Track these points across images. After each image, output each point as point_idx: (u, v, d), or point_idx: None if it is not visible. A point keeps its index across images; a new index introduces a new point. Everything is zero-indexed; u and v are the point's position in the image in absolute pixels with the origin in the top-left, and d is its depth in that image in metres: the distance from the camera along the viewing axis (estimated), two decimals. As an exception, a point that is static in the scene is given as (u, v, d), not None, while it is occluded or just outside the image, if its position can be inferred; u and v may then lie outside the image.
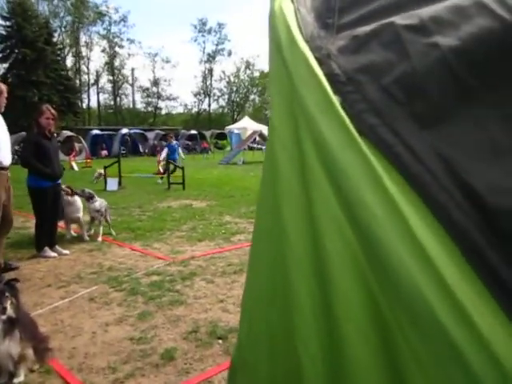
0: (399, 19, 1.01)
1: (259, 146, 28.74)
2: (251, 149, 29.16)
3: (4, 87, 5.16)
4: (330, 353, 1.06)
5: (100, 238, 6.90)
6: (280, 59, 1.16)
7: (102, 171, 13.62)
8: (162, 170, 16.46)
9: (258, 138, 27.68)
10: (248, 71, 65.60)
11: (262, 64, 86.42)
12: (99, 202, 7.17)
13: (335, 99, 1.02)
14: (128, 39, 61.16)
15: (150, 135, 34.58)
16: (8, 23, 37.83)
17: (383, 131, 0.96)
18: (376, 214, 0.93)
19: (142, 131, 35.59)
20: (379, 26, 1.04)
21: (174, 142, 16.44)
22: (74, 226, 7.23)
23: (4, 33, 38.17)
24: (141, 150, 33.55)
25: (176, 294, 4.54)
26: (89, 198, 7.10)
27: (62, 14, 51.30)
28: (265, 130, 36.31)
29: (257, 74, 66.03)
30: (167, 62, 61.30)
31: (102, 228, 7.07)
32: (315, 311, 1.08)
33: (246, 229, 7.70)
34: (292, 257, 1.13)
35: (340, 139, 0.99)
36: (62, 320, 3.96)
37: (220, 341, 3.52)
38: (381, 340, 0.98)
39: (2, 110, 5.16)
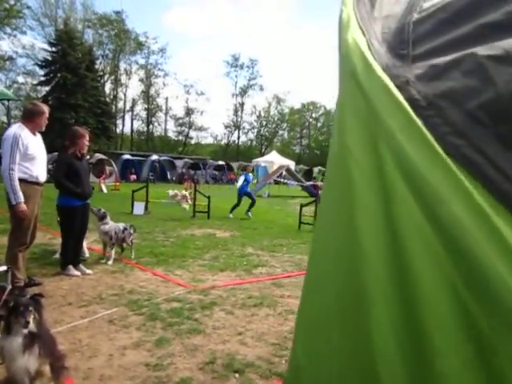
0: (482, 50, 1.07)
1: (285, 181, 28.80)
2: (277, 183, 29.23)
3: (47, 108, 5.40)
4: (417, 368, 1.07)
5: (110, 262, 6.87)
6: (355, 86, 1.24)
7: (184, 193, 13.83)
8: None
9: (284, 173, 27.78)
10: (279, 107, 66.62)
11: (293, 100, 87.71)
12: (109, 225, 7.07)
13: (418, 122, 1.08)
14: (163, 70, 62.85)
15: (179, 163, 35.25)
16: (54, 49, 39.91)
17: (469, 151, 1.02)
18: (468, 227, 0.98)
19: (171, 158, 36.31)
20: (460, 56, 1.11)
21: (251, 174, 15.31)
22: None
23: (50, 58, 40.24)
24: (168, 176, 34.13)
25: (195, 322, 4.49)
26: (101, 218, 7.05)
27: (105, 43, 53.75)
28: (292, 165, 36.58)
29: (287, 110, 67.03)
30: (201, 94, 62.71)
31: (113, 252, 7.02)
32: (396, 326, 1.11)
33: (267, 262, 7.63)
34: (370, 274, 1.16)
35: (427, 159, 1.06)
36: (81, 340, 3.95)
37: (237, 374, 3.43)
38: (475, 350, 0.99)
39: (43, 129, 5.38)
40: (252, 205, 14.04)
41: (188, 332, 4.21)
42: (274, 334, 4.34)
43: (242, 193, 13.99)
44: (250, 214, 13.67)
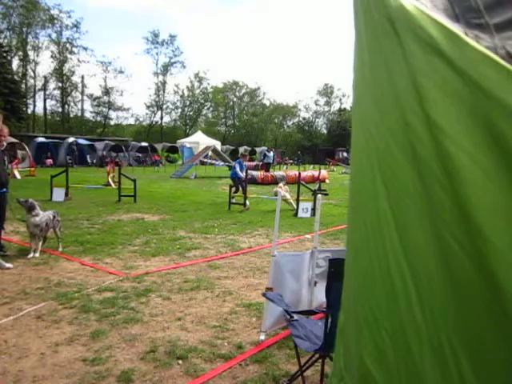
0: None
1: (212, 161, 28.61)
2: (203, 164, 28.98)
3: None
4: None
5: (37, 254, 6.35)
6: (434, 55, 1.13)
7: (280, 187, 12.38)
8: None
9: (210, 153, 27.57)
10: (202, 86, 65.51)
11: (217, 80, 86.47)
12: (40, 217, 6.45)
13: None
14: (80, 46, 58.64)
15: (99, 145, 33.57)
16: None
17: None
18: None
19: (89, 141, 34.47)
20: None
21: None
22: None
23: None
24: (88, 160, 32.46)
25: (131, 311, 4.35)
26: (29, 209, 6.39)
27: (10, 14, 49.02)
28: (218, 145, 36.34)
29: (211, 89, 66.14)
30: (120, 72, 59.70)
31: (40, 244, 6.50)
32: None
33: (200, 244, 7.58)
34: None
35: None
36: (6, 340, 3.66)
37: (180, 361, 3.39)
38: None
39: None
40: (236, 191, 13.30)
41: (125, 322, 4.07)
42: (213, 316, 4.33)
43: (236, 178, 13.38)
44: (234, 200, 12.80)
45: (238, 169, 13.31)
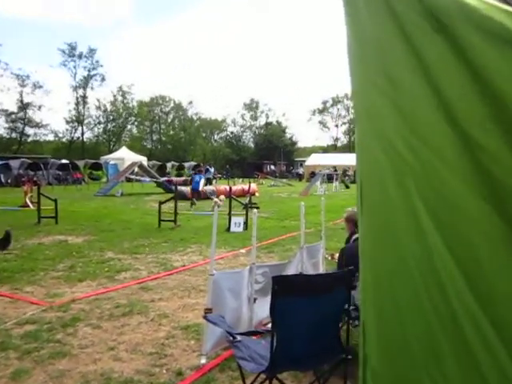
0: None
1: (138, 178, 27.74)
2: (129, 180, 28.00)
3: None
4: None
5: None
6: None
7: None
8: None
9: (136, 170, 26.73)
10: (125, 100, 63.62)
11: (141, 94, 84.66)
12: None
13: None
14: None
15: (14, 163, 31.27)
16: None
17: None
18: None
19: (3, 160, 32.01)
20: None
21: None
22: None
23: None
24: (2, 179, 30.09)
25: (57, 344, 3.98)
26: None
27: None
28: (144, 161, 35.40)
29: (135, 103, 64.49)
30: (39, 87, 56.14)
31: None
32: None
33: (131, 265, 7.22)
34: None
35: None
36: None
37: (115, 396, 3.14)
38: None
39: None
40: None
41: (50, 357, 3.71)
42: (149, 342, 4.09)
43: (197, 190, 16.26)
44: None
45: (200, 181, 16.49)
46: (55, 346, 3.93)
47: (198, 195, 15.85)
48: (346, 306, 2.75)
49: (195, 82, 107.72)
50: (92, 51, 59.64)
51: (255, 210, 4.26)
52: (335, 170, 36.71)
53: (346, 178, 39.96)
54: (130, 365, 3.61)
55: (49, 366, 3.56)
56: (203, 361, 3.60)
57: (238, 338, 2.87)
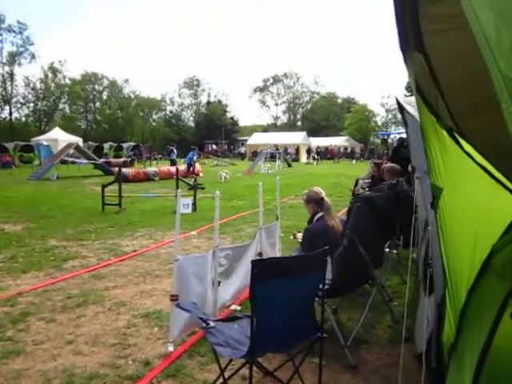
0: None
1: (74, 160, 26.40)
2: (64, 162, 26.59)
3: None
4: None
5: None
6: None
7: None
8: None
9: (72, 151, 25.38)
10: (56, 78, 59.77)
11: (74, 71, 79.88)
12: None
13: None
14: None
15: None
16: None
17: None
18: None
19: None
20: None
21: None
22: None
23: None
24: None
25: (8, 342, 3.71)
26: None
27: None
28: (80, 142, 33.73)
29: (68, 81, 60.83)
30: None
31: None
32: None
33: (78, 253, 6.88)
34: None
35: None
36: None
37: (81, 392, 2.98)
38: None
39: None
40: None
41: (3, 356, 3.44)
42: (110, 333, 3.92)
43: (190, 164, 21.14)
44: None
45: (193, 157, 21.64)
46: (6, 345, 3.66)
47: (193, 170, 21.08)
48: (321, 286, 2.76)
49: (131, 59, 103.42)
50: (22, 25, 55.09)
51: (217, 192, 4.16)
52: (277, 149, 37.03)
53: (288, 156, 40.53)
54: (92, 358, 3.44)
55: (2, 366, 3.31)
56: (171, 348, 3.50)
57: (212, 323, 2.81)
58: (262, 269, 2.39)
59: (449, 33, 1.46)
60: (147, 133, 63.18)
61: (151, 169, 22.79)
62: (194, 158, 22.25)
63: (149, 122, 67.93)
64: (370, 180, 8.87)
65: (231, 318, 2.97)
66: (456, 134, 1.94)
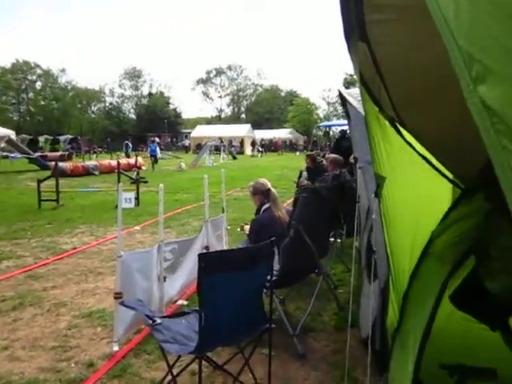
0: None
1: (6, 154, 24.82)
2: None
3: None
4: None
5: None
6: None
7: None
8: None
9: (3, 145, 23.83)
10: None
11: (5, 58, 74.70)
12: None
13: None
14: None
15: None
16: None
17: None
18: None
19: None
20: None
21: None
22: None
23: None
24: None
25: None
26: None
27: None
28: (12, 135, 31.70)
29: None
30: None
31: None
32: None
33: (12, 252, 6.48)
34: None
35: None
36: None
37: (19, 400, 2.80)
38: None
39: None
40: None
41: None
42: (49, 335, 3.72)
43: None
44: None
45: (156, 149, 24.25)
46: None
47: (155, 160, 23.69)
48: (269, 278, 2.76)
49: (68, 48, 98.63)
50: None
51: (161, 185, 4.05)
52: (221, 142, 36.87)
53: (233, 149, 40.49)
54: (31, 363, 3.24)
55: None
56: (116, 348, 3.38)
57: (158, 320, 2.73)
58: (209, 262, 2.35)
59: (392, 23, 1.48)
60: (86, 125, 60.57)
61: (91, 162, 21.90)
62: (158, 150, 24.96)
63: (87, 114, 65.17)
64: (305, 172, 9.05)
65: (179, 314, 2.90)
66: (398, 124, 1.99)
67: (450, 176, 2.08)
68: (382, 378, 2.88)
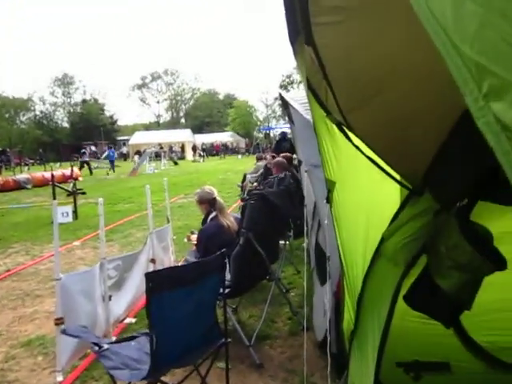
0: None
1: None
2: None
3: None
4: None
5: None
6: None
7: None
8: None
9: None
10: None
11: None
12: None
13: None
14: None
15: None
16: None
17: None
18: None
19: None
20: None
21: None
22: None
23: None
24: None
25: None
26: None
27: None
28: None
29: None
30: None
31: None
32: None
33: None
34: None
35: None
36: None
37: None
38: None
39: None
40: None
41: None
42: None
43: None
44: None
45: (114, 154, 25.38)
46: None
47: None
48: (221, 290, 2.66)
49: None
50: None
51: (100, 199, 3.82)
52: (161, 148, 36.15)
53: (174, 154, 39.85)
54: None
55: None
56: (60, 378, 3.12)
57: (105, 346, 2.55)
58: (157, 281, 2.21)
59: (337, 25, 1.44)
60: (15, 136, 56.98)
61: (22, 176, 20.63)
62: (115, 155, 28.61)
63: (16, 125, 61.41)
64: (256, 174, 9.02)
65: (127, 338, 2.72)
66: (345, 128, 1.96)
67: (398, 177, 2.09)
68: (340, 381, 2.88)
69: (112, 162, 27.66)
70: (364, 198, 2.15)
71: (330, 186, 2.05)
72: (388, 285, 2.17)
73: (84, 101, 64.81)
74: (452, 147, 1.92)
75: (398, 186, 2.13)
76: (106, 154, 30.10)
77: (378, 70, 1.51)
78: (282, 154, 7.20)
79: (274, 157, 8.45)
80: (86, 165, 26.65)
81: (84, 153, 29.13)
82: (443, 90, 1.43)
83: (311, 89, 1.76)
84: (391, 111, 1.75)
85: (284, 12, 1.37)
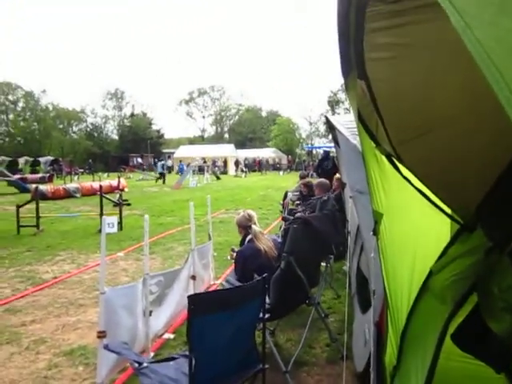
0: None
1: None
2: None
3: None
4: None
5: None
6: None
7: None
8: None
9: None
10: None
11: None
12: None
13: None
14: None
15: None
16: None
17: None
18: None
19: None
20: None
21: None
22: None
23: None
24: None
25: None
26: None
27: None
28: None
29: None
30: None
31: None
32: None
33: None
34: None
35: None
36: None
37: None
38: None
39: None
40: None
41: None
42: (28, 377, 3.51)
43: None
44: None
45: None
46: None
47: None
48: (261, 315, 2.64)
49: (49, 69, 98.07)
50: None
51: (146, 216, 3.91)
52: (205, 162, 36.79)
53: (216, 169, 40.43)
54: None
55: None
56: (99, 390, 3.19)
57: (145, 363, 2.58)
58: (200, 304, 2.22)
59: (390, 61, 1.42)
60: (67, 146, 59.76)
61: (72, 185, 21.54)
62: (165, 166, 30.96)
63: (69, 135, 64.44)
64: (298, 193, 8.96)
65: (167, 359, 2.74)
66: (395, 160, 1.93)
67: (449, 211, 2.02)
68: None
69: (163, 175, 29.33)
70: (412, 231, 2.09)
71: (377, 218, 2.01)
72: (434, 324, 2.09)
73: (133, 114, 67.20)
74: (508, 183, 1.84)
75: (448, 220, 2.06)
76: (160, 166, 31.49)
77: (430, 111, 1.49)
78: (318, 180, 7.16)
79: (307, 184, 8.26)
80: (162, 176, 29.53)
81: (163, 165, 31.58)
82: (500, 129, 1.38)
83: (361, 119, 1.75)
84: (444, 147, 1.70)
85: (338, 49, 1.38)
